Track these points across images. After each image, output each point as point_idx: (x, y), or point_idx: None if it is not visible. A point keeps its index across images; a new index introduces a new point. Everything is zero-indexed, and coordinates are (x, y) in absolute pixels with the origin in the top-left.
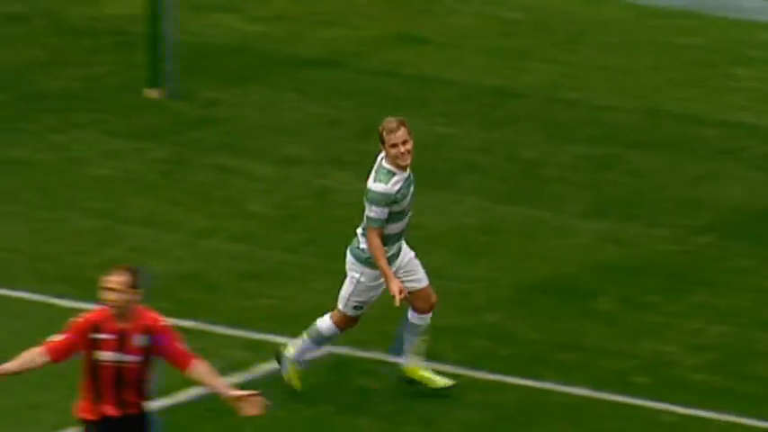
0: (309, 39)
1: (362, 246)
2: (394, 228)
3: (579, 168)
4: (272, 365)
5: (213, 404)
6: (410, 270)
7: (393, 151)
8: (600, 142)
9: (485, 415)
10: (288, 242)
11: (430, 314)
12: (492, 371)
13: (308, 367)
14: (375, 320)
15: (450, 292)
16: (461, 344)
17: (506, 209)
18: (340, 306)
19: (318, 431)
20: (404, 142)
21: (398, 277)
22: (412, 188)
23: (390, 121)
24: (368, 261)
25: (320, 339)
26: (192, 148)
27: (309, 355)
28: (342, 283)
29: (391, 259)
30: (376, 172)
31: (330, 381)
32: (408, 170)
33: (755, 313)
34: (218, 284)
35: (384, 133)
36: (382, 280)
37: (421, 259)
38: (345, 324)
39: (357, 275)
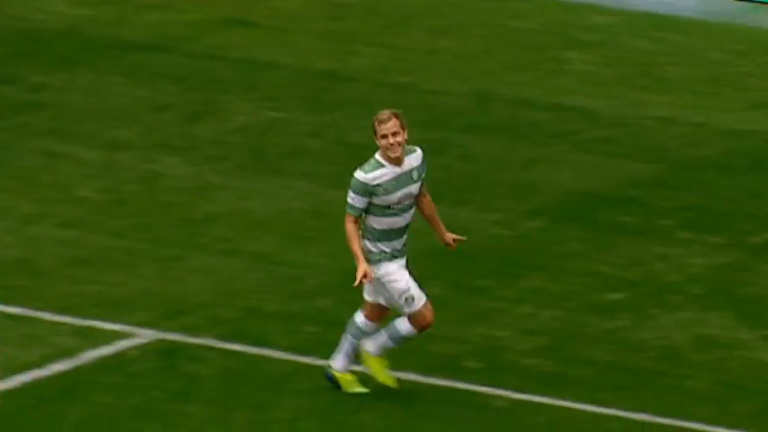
0: (136, 22)
1: (369, 248)
2: (384, 222)
3: None
4: (99, 351)
5: (39, 392)
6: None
7: (383, 142)
8: (431, 126)
9: (316, 401)
10: (115, 227)
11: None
12: (323, 357)
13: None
14: (204, 306)
15: (280, 277)
16: (292, 330)
17: (336, 193)
18: (403, 311)
19: (147, 418)
20: (394, 134)
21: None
22: (409, 188)
23: (383, 113)
24: (377, 258)
25: (399, 339)
26: (19, 133)
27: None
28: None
29: (399, 254)
30: (366, 162)
31: (159, 367)
32: (407, 167)
33: (586, 297)
34: (45, 270)
35: (376, 124)
36: (402, 262)
37: (250, 245)
38: (420, 322)
39: (381, 275)
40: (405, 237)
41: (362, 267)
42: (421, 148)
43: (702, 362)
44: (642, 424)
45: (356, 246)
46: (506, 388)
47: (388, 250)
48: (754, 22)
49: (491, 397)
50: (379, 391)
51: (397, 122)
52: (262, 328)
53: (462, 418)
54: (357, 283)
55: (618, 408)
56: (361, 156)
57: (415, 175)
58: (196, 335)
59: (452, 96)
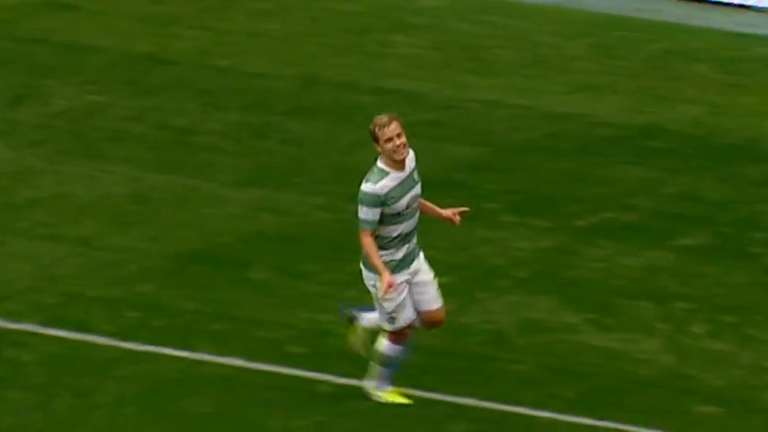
0: None
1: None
2: (393, 230)
3: (233, 136)
4: None
5: None
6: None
7: (389, 146)
8: (254, 110)
9: (139, 387)
10: None
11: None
12: (145, 342)
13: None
14: (26, 292)
15: (101, 262)
16: (113, 315)
17: (158, 177)
18: (384, 326)
19: None
20: (398, 135)
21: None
22: (413, 191)
23: (381, 117)
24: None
25: (387, 360)
26: None
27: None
28: None
29: (403, 264)
30: (369, 173)
31: None
32: (408, 170)
33: None
34: None
35: (377, 130)
36: (404, 278)
37: (71, 230)
38: (399, 338)
39: (373, 288)
40: (414, 239)
41: (387, 278)
42: (413, 149)
43: (528, 346)
44: (468, 408)
45: (377, 259)
46: (331, 373)
47: (399, 256)
48: (579, 5)
49: (316, 382)
50: (199, 379)
51: (398, 124)
52: (84, 313)
53: (286, 403)
54: (384, 294)
55: (444, 392)
56: (184, 140)
57: (415, 176)
58: (18, 320)
59: (276, 80)
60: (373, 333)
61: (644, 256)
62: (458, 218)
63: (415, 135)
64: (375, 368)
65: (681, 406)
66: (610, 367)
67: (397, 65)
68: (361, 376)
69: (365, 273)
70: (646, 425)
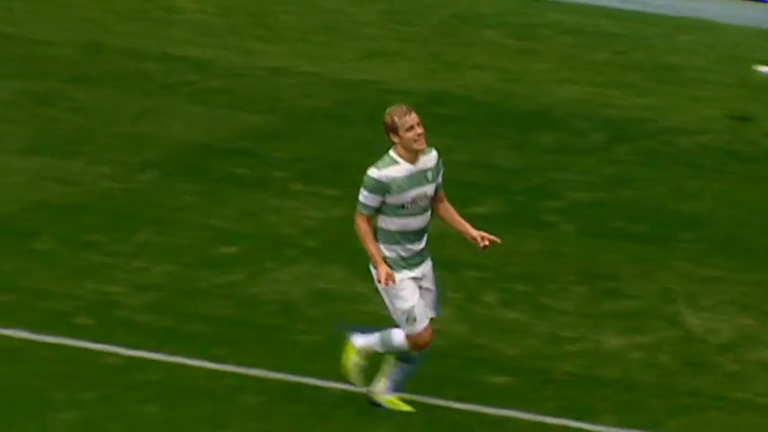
0: None
1: (384, 253)
2: (396, 223)
3: (16, 104)
4: None
5: None
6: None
7: (409, 135)
8: (38, 78)
9: None
10: None
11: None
12: None
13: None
14: None
15: None
16: None
17: None
18: (402, 328)
19: None
20: (418, 124)
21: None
22: (423, 188)
23: (398, 107)
24: (389, 265)
25: (389, 347)
26: None
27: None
28: None
29: (405, 263)
30: (378, 160)
31: None
32: (421, 166)
33: (200, 251)
34: None
35: (396, 119)
36: (411, 274)
37: None
38: (417, 343)
39: (388, 287)
40: (421, 242)
41: (383, 269)
42: (437, 150)
43: (318, 316)
44: (257, 379)
45: (372, 246)
46: (119, 344)
47: (403, 254)
48: None
49: (103, 354)
50: None
51: (416, 114)
52: None
53: (73, 375)
54: (383, 285)
55: (233, 363)
56: None
57: (429, 175)
58: None
59: (60, 47)
60: (367, 358)
61: (435, 224)
62: (484, 242)
63: (201, 102)
64: (386, 369)
65: (473, 376)
66: None
67: (183, 31)
68: (150, 347)
69: (372, 272)
70: (438, 395)
